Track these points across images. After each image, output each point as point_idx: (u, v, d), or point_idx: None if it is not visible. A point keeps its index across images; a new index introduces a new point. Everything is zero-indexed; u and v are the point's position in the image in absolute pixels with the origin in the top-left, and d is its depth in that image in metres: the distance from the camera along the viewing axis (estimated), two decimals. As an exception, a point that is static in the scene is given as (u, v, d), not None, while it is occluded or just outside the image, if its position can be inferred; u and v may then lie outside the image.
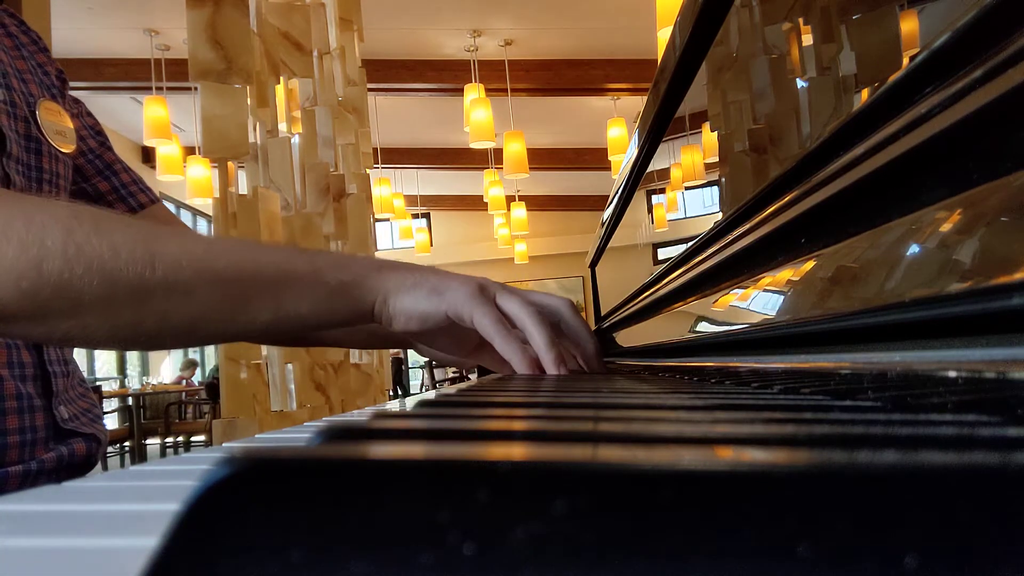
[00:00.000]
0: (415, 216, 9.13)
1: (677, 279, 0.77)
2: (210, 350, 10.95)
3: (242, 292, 0.51)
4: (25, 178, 0.67)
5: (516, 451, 0.11)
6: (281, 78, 2.44)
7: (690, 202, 0.83)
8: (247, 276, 0.51)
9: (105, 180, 0.82)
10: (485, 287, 0.58)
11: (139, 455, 5.65)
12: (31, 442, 0.65)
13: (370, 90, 3.81)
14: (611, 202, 1.49)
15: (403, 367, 8.54)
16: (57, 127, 0.72)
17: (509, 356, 0.56)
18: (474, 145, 4.98)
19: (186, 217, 8.22)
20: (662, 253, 1.05)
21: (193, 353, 10.44)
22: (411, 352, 7.93)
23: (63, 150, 0.73)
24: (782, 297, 0.40)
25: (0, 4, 0.78)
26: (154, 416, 5.94)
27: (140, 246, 0.46)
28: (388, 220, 8.04)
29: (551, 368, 0.57)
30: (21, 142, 0.67)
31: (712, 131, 0.69)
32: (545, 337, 0.56)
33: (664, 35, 2.87)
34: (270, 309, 0.52)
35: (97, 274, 0.44)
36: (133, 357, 9.35)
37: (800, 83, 0.45)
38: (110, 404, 5.90)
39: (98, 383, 6.40)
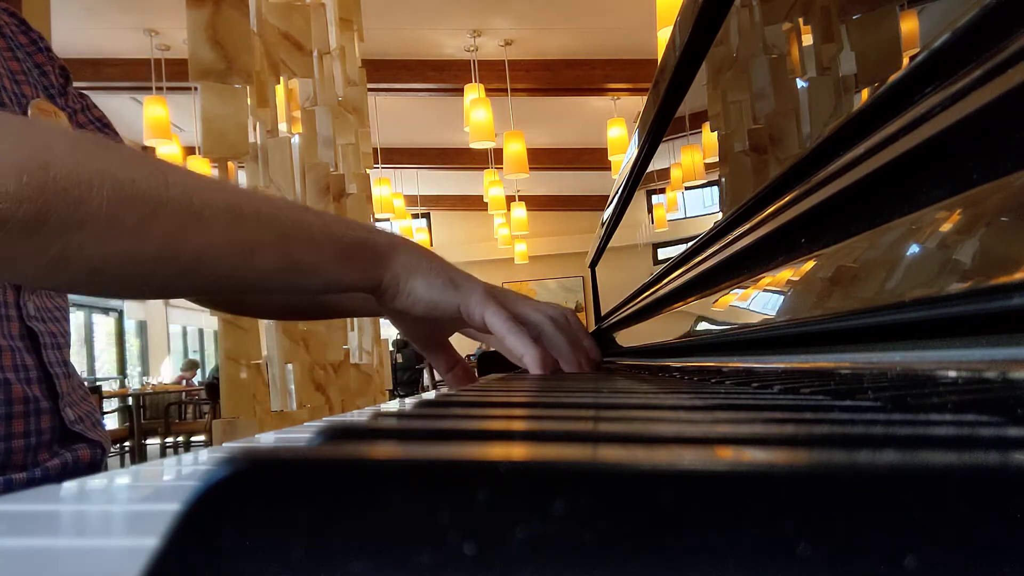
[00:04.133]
0: (415, 216, 9.12)
1: (677, 279, 0.77)
2: (210, 350, 10.89)
3: (253, 232, 0.47)
4: None
5: (516, 451, 0.11)
6: (281, 78, 2.44)
7: (690, 202, 0.83)
8: (259, 216, 0.48)
9: None
10: (495, 290, 0.60)
11: (139, 455, 5.65)
12: (35, 446, 0.64)
13: (370, 90, 3.81)
14: (611, 202, 1.49)
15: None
16: None
17: (521, 352, 0.56)
18: (474, 145, 4.98)
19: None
20: (662, 253, 1.05)
21: (193, 353, 10.41)
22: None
23: None
24: (782, 297, 0.40)
25: None
26: (154, 416, 5.95)
27: (150, 165, 0.42)
28: (388, 220, 8.04)
29: (571, 368, 0.62)
30: None
31: (712, 131, 0.69)
32: (565, 343, 0.62)
33: (664, 35, 2.87)
34: (280, 255, 0.49)
35: (107, 182, 0.40)
36: (133, 357, 9.35)
37: (800, 83, 0.44)
38: (110, 404, 5.90)
39: (98, 383, 6.40)
